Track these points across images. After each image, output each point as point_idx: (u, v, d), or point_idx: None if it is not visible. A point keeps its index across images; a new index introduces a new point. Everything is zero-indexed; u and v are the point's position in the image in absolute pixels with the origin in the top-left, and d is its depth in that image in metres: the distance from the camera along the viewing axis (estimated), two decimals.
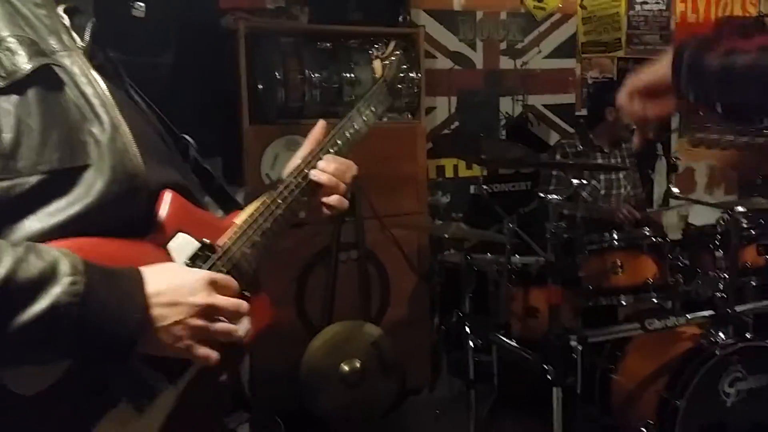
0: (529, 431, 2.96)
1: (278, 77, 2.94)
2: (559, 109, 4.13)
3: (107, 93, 0.93)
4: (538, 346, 2.39)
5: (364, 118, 1.31)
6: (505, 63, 3.98)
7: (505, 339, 2.66)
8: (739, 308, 2.55)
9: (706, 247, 2.69)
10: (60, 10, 0.97)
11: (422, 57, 3.26)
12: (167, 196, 0.97)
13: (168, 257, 0.95)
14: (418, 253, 3.30)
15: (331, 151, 1.22)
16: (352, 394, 2.83)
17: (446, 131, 3.82)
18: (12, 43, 0.87)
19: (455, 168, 3.85)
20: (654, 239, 2.63)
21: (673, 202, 3.76)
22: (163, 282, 0.86)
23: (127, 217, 0.91)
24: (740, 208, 2.55)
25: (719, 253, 2.62)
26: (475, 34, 3.88)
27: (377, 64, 1.44)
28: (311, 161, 1.19)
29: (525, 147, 3.05)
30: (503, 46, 3.97)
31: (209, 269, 0.96)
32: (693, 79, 1.09)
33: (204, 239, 0.99)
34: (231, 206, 1.18)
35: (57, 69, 0.90)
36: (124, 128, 0.92)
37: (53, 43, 0.92)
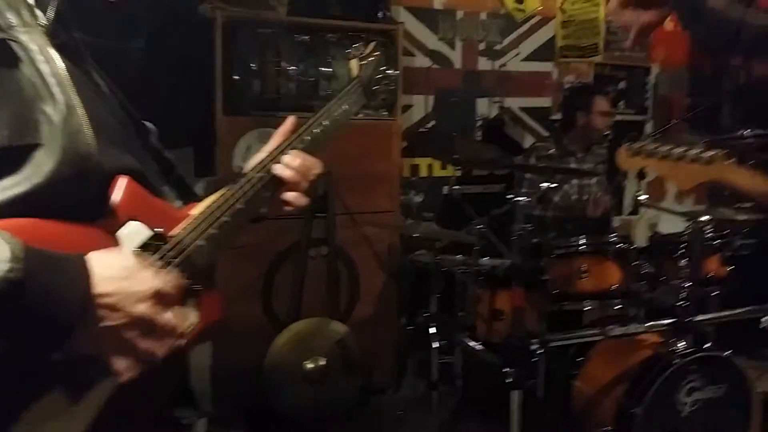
0: None
1: (254, 69, 2.91)
2: (535, 112, 4.15)
3: (65, 72, 0.91)
4: (501, 348, 2.40)
5: (336, 116, 1.29)
6: (484, 64, 3.99)
7: (468, 341, 2.66)
8: (700, 318, 2.59)
9: (671, 255, 2.71)
10: None
11: (400, 54, 3.25)
12: (121, 182, 0.94)
13: (117, 244, 0.93)
14: (388, 251, 3.28)
15: (299, 147, 1.20)
16: (315, 392, 2.82)
17: (422, 130, 3.82)
18: None
19: (430, 167, 3.85)
20: (620, 246, 2.65)
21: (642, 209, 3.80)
22: (113, 284, 0.84)
23: (77, 200, 0.89)
24: (705, 218, 2.56)
25: (684, 262, 2.63)
26: (455, 34, 3.89)
27: (354, 63, 1.41)
28: (276, 156, 1.17)
29: (499, 149, 3.05)
30: (482, 46, 3.97)
31: (159, 260, 0.94)
32: None
33: (156, 229, 0.97)
34: (190, 197, 1.16)
35: (13, 44, 0.88)
36: (80, 109, 0.90)
37: (11, 17, 0.90)
